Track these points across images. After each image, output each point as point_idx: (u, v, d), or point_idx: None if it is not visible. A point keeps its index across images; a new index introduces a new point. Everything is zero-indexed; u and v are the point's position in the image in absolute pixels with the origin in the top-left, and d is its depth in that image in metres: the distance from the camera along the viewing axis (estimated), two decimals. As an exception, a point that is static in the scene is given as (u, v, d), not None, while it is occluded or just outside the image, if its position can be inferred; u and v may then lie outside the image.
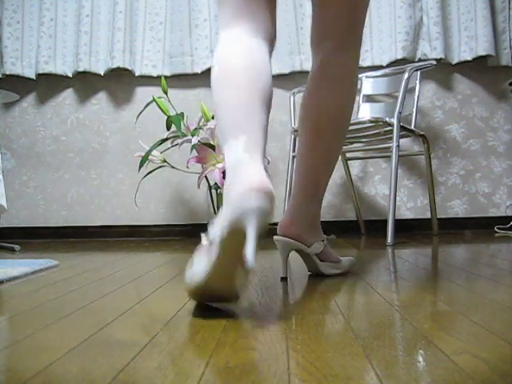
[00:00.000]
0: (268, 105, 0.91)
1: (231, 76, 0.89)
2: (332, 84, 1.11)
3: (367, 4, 1.12)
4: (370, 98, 2.43)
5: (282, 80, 2.51)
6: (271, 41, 0.99)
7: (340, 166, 2.48)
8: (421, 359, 0.55)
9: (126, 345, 0.63)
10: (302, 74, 2.47)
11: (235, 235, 0.72)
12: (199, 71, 2.50)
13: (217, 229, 0.75)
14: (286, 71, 2.46)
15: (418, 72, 2.19)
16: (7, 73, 2.53)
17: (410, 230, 2.46)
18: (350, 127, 1.97)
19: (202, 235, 0.82)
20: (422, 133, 2.16)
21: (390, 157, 1.92)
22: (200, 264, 0.77)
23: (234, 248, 0.74)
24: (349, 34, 1.11)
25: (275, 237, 1.11)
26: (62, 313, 0.82)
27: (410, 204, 2.53)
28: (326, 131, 1.11)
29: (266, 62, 0.93)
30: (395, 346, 0.59)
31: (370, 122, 1.90)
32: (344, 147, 2.31)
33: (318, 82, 1.12)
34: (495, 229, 2.36)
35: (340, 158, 2.48)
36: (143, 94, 2.60)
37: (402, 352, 0.57)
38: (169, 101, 2.16)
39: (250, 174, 0.79)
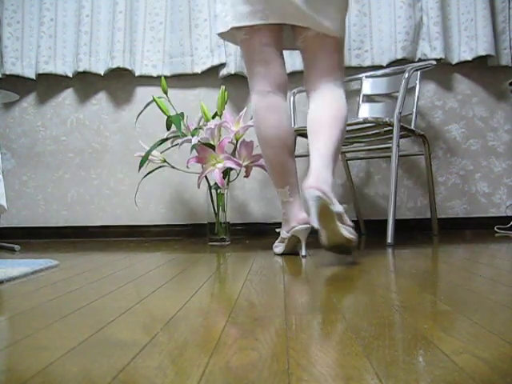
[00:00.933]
0: (293, 152, 1.56)
1: (269, 140, 1.50)
2: (327, 103, 1.51)
3: (343, 45, 1.58)
4: (369, 98, 2.43)
5: (282, 80, 2.51)
6: (286, 88, 1.58)
7: (340, 166, 2.48)
8: (421, 359, 0.55)
9: (126, 345, 0.63)
10: (303, 73, 2.46)
11: (294, 239, 1.54)
12: (199, 71, 2.50)
13: (285, 234, 1.55)
14: (287, 71, 2.46)
15: (418, 72, 2.19)
16: (7, 73, 2.53)
17: (410, 230, 2.46)
18: (351, 127, 1.97)
19: (277, 230, 1.64)
20: (422, 133, 2.16)
21: (390, 157, 1.92)
22: (279, 247, 1.61)
23: (293, 243, 1.56)
24: (335, 71, 1.56)
25: (310, 190, 1.26)
26: (61, 313, 0.82)
27: (410, 204, 2.53)
28: (334, 126, 1.45)
29: (288, 118, 1.53)
30: (395, 346, 0.59)
31: (370, 122, 1.90)
32: (344, 147, 2.31)
33: (319, 105, 1.52)
34: (495, 229, 2.36)
35: (340, 158, 2.48)
36: (143, 93, 2.60)
37: (401, 352, 0.57)
38: (169, 101, 2.16)
39: (297, 211, 1.52)
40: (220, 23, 1.56)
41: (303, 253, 1.51)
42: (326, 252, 1.37)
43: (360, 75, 2.40)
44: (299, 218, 1.49)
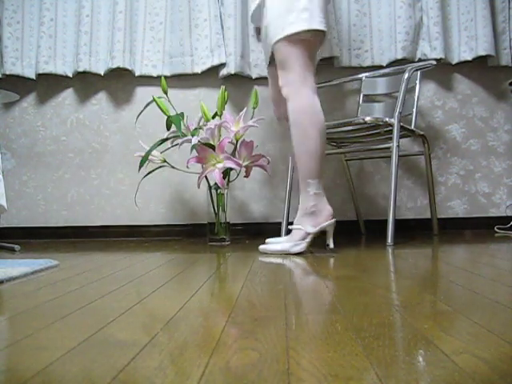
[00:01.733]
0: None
1: (321, 131, 1.63)
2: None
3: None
4: (369, 98, 2.43)
5: (282, 80, 2.51)
6: None
7: (340, 166, 2.48)
8: (421, 359, 0.55)
9: (126, 345, 0.63)
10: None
11: (317, 234, 1.64)
12: (199, 71, 2.50)
13: (312, 229, 1.61)
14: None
15: (418, 72, 2.19)
16: (7, 73, 2.53)
17: (410, 230, 2.46)
18: (351, 127, 1.97)
19: (292, 227, 1.66)
20: (422, 133, 2.16)
21: (390, 157, 1.92)
22: (301, 245, 1.62)
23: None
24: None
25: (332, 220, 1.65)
26: (62, 313, 0.82)
27: (410, 204, 2.53)
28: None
29: (323, 118, 1.67)
30: (395, 346, 0.59)
31: (370, 122, 1.90)
32: (344, 147, 2.32)
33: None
34: (495, 229, 2.36)
35: (340, 158, 2.48)
36: (143, 93, 2.60)
37: (401, 352, 0.57)
38: (169, 101, 2.16)
39: (326, 204, 1.64)
40: (300, 19, 1.62)
41: (331, 245, 1.66)
42: (327, 252, 1.37)
43: (360, 75, 2.40)
44: (328, 213, 1.63)
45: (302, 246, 1.61)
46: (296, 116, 1.64)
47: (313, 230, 1.60)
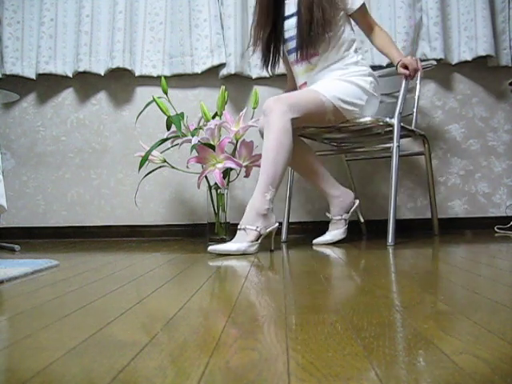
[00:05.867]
0: None
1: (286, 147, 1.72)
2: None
3: None
4: (370, 98, 2.42)
5: (282, 80, 2.51)
6: None
7: (341, 167, 2.48)
8: (421, 359, 0.55)
9: (126, 345, 0.63)
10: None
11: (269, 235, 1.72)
12: (199, 71, 2.50)
13: (263, 230, 1.67)
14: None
15: (419, 72, 2.18)
16: (7, 73, 2.53)
17: (411, 230, 2.46)
18: (351, 127, 1.97)
19: (248, 227, 1.66)
20: (422, 133, 2.16)
21: (390, 157, 1.92)
22: (255, 246, 1.66)
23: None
24: None
25: (277, 224, 1.76)
26: (62, 313, 0.82)
27: (411, 204, 2.53)
28: None
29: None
30: (395, 346, 0.59)
31: (371, 122, 1.90)
32: (344, 148, 2.31)
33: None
34: (495, 229, 2.36)
35: (341, 158, 2.47)
36: (143, 93, 2.60)
37: (402, 352, 0.57)
38: (169, 101, 2.16)
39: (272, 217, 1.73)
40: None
41: (273, 247, 1.78)
42: (327, 252, 1.37)
43: (360, 75, 2.39)
44: (274, 218, 1.77)
45: (256, 247, 1.65)
46: None
47: (265, 231, 1.67)
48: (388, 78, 2.36)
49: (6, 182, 2.48)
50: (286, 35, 1.96)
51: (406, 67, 1.90)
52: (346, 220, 1.99)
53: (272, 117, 1.70)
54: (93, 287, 1.07)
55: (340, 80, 1.88)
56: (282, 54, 2.03)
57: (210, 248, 1.62)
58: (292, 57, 1.97)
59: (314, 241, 1.94)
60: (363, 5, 1.93)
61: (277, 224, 1.73)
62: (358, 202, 2.01)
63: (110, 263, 1.50)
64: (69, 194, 2.61)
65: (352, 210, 1.99)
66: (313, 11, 1.81)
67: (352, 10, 1.91)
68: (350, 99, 1.86)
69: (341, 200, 1.98)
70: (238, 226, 1.67)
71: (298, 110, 1.74)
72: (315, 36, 1.83)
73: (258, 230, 1.64)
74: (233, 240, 1.66)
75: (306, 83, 1.96)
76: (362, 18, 1.96)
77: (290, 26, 1.93)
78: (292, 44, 1.94)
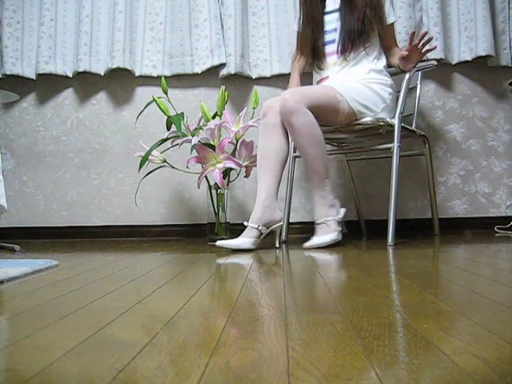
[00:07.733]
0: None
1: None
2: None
3: None
4: (370, 98, 2.42)
5: (282, 80, 2.51)
6: None
7: (341, 167, 2.48)
8: (421, 359, 0.55)
9: (126, 345, 0.63)
10: (303, 74, 2.46)
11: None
12: (199, 71, 2.50)
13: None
14: (286, 71, 2.46)
15: (419, 72, 2.19)
16: (7, 73, 2.53)
17: (411, 230, 2.46)
18: (352, 128, 1.97)
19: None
20: (422, 133, 2.16)
21: (390, 157, 1.92)
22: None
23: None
24: None
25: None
26: (62, 313, 0.82)
27: (411, 204, 2.53)
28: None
29: None
30: (395, 346, 0.59)
31: (371, 122, 1.90)
32: (345, 148, 2.31)
33: None
34: (495, 229, 2.36)
35: (341, 158, 2.47)
36: (143, 93, 2.60)
37: (402, 352, 0.57)
38: (169, 101, 2.16)
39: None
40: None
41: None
42: (328, 252, 1.37)
43: (360, 75, 2.39)
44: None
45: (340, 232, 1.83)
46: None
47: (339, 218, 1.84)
48: (388, 78, 2.36)
49: (6, 181, 2.48)
50: (326, 27, 2.03)
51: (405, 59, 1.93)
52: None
53: (295, 115, 1.75)
54: (93, 287, 1.07)
55: (359, 83, 1.91)
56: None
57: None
58: (330, 47, 2.01)
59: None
60: (395, 22, 2.07)
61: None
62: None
63: (109, 263, 1.50)
64: (69, 194, 2.61)
65: (273, 227, 1.83)
66: (366, 7, 1.94)
67: (388, 21, 2.02)
68: (367, 103, 1.89)
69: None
70: (317, 222, 1.80)
71: (311, 103, 1.77)
72: (364, 32, 1.93)
73: (337, 218, 1.80)
74: (316, 235, 1.79)
75: (328, 77, 2.00)
76: (391, 32, 2.07)
77: (332, 20, 2.00)
78: (331, 36, 2.01)
